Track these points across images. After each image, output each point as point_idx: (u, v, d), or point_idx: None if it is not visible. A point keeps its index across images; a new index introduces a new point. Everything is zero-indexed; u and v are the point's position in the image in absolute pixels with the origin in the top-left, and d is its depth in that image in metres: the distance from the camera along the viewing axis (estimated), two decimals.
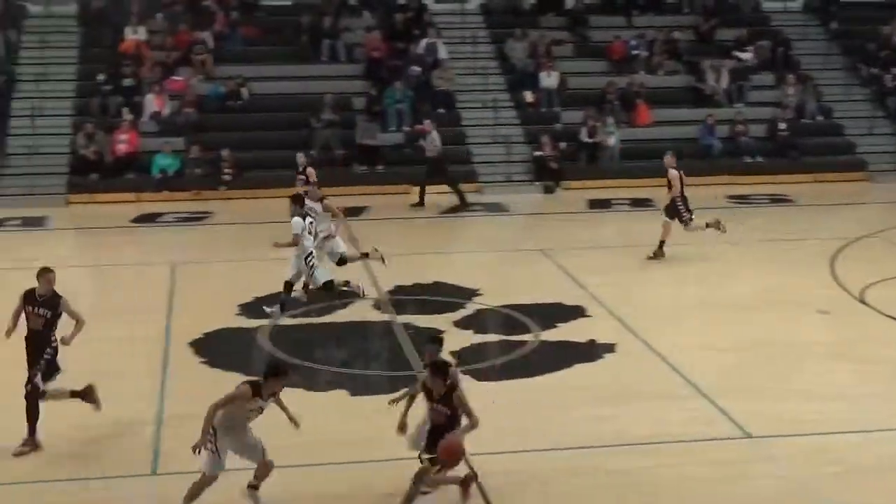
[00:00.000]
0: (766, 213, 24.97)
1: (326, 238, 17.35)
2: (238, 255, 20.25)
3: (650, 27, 31.33)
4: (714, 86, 29.62)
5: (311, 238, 16.46)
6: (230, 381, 13.78)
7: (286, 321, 16.40)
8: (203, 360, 14.80)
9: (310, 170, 20.63)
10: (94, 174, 25.51)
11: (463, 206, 24.66)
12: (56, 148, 26.27)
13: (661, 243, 19.72)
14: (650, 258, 19.60)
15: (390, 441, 11.92)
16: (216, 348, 15.19)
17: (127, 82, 27.52)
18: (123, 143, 25.86)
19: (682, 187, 19.65)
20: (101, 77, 27.41)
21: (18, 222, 23.21)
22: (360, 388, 13.75)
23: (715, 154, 28.06)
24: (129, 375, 14.30)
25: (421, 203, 24.69)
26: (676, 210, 19.69)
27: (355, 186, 25.78)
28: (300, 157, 21.74)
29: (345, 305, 17.09)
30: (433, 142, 25.30)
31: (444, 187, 24.99)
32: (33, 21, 29.49)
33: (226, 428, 10.00)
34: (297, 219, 16.24)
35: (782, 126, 28.63)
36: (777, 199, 25.77)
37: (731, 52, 30.70)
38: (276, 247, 16.57)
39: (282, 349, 15.10)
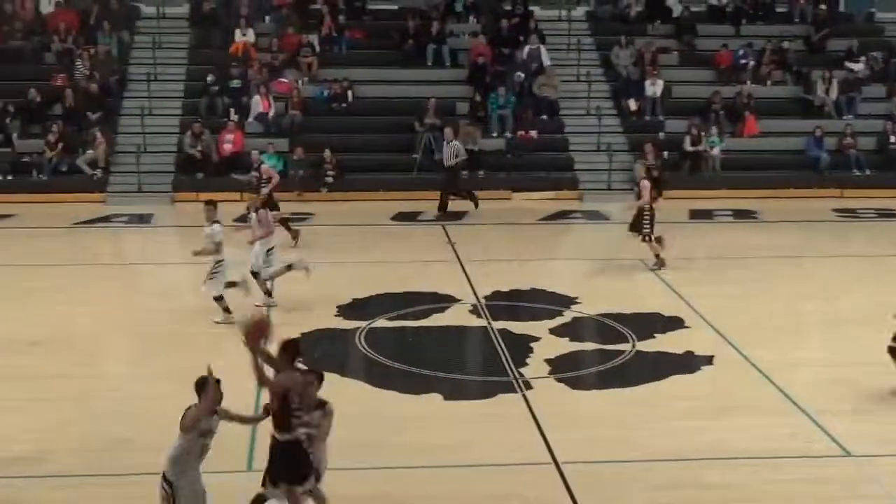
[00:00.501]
0: (873, 228, 24.40)
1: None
2: (338, 257, 20.40)
3: (758, 36, 30.86)
4: (823, 97, 29.07)
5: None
6: (326, 381, 14.02)
7: (383, 323, 16.49)
8: (299, 359, 14.90)
9: (264, 167, 20.76)
10: (199, 173, 25.96)
11: (441, 211, 24.26)
12: (164, 147, 26.78)
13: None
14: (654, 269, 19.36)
15: (484, 445, 11.97)
16: (313, 348, 15.32)
17: (234, 83, 27.95)
18: (229, 143, 26.28)
19: (651, 199, 19.32)
20: (209, 78, 27.88)
21: (125, 219, 23.71)
22: (454, 392, 13.75)
23: (822, 167, 27.53)
24: (229, 372, 14.49)
25: (443, 210, 24.26)
26: (640, 223, 19.32)
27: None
28: (254, 154, 21.78)
29: (443, 310, 17.14)
30: (455, 151, 24.72)
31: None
32: (146, 22, 30.10)
33: (182, 472, 9.39)
34: (217, 226, 16.11)
35: (893, 139, 27.99)
36: (885, 214, 25.17)
37: (842, 62, 30.12)
38: (195, 254, 16.28)
39: (377, 351, 15.19)
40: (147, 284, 19.47)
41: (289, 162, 25.93)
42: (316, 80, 28.62)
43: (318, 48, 29.26)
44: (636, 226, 19.52)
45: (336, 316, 16.67)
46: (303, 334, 15.67)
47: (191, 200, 25.19)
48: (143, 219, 23.74)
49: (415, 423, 12.77)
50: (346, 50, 29.76)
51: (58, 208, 24.14)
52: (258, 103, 27.40)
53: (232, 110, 27.26)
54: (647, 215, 19.33)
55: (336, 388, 13.81)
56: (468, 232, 22.94)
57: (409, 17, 30.07)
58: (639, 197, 19.56)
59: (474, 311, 17.12)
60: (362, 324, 16.30)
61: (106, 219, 23.66)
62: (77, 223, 23.19)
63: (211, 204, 16.32)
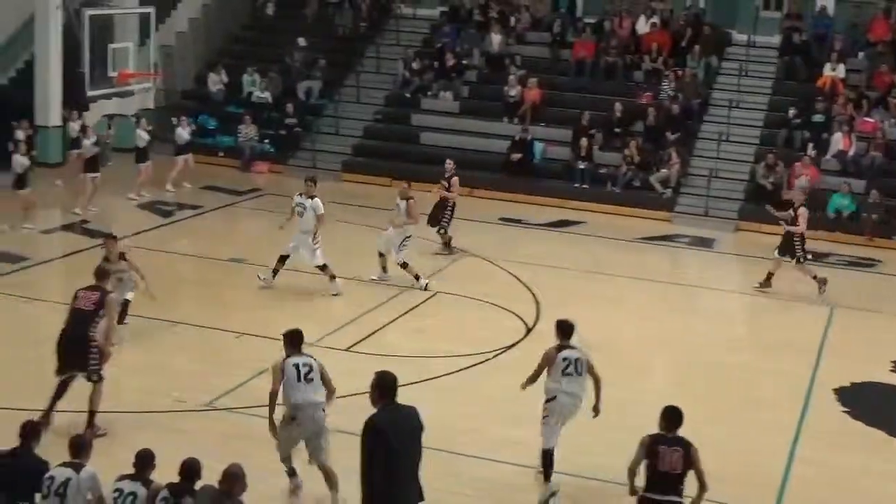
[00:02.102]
0: None
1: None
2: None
3: None
4: None
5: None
6: (868, 437, 13.34)
7: None
8: (845, 409, 14.32)
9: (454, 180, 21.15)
10: (767, 204, 25.57)
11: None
12: (735, 174, 26.69)
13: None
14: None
15: None
16: (861, 400, 14.62)
17: (816, 118, 27.23)
18: (803, 177, 25.64)
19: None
20: (791, 111, 27.40)
21: (687, 240, 23.87)
22: None
23: None
24: (771, 407, 14.30)
25: None
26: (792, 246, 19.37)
27: None
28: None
29: None
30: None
31: None
32: (735, 49, 30.16)
33: None
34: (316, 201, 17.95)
35: None
36: None
37: None
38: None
39: None
40: (698, 307, 19.54)
41: (863, 204, 24.89)
42: None
43: None
44: (786, 249, 19.55)
45: (892, 371, 15.78)
46: (853, 383, 15.10)
47: (754, 231, 24.96)
48: (705, 242, 23.81)
49: None
50: None
51: (625, 221, 24.85)
52: (838, 141, 26.51)
53: (810, 145, 26.60)
54: (797, 240, 19.37)
55: (881, 447, 13.15)
56: None
57: None
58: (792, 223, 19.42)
59: None
60: None
61: (669, 237, 24.01)
62: (641, 238, 23.75)
63: (311, 181, 18.38)
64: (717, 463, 12.23)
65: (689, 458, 9.55)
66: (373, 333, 16.16)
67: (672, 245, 23.65)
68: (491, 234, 23.06)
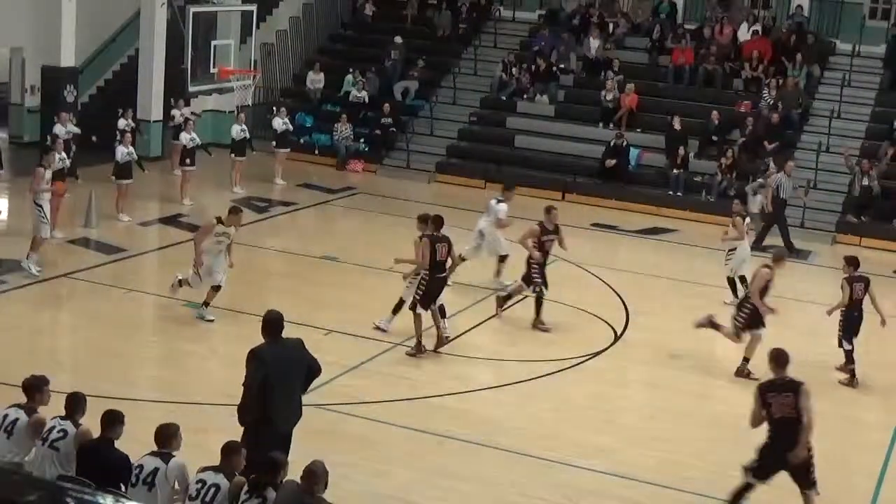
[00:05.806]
0: None
1: None
2: None
3: None
4: None
5: None
6: None
7: None
8: None
9: None
10: (863, 217, 25.08)
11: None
12: (833, 185, 26.19)
13: None
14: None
15: None
16: None
17: None
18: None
19: None
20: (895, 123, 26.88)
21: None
22: None
23: None
24: (866, 426, 14.02)
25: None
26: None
27: None
28: None
29: None
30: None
31: None
32: (839, 58, 29.61)
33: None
34: None
35: None
36: None
37: None
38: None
39: None
40: (793, 321, 19.20)
41: None
42: None
43: None
44: None
45: None
46: None
47: (851, 244, 24.44)
48: (801, 254, 23.38)
49: None
50: None
51: (719, 230, 24.43)
52: None
53: None
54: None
55: None
56: None
57: None
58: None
59: None
60: None
61: (764, 248, 23.59)
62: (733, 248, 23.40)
63: (236, 211, 16.39)
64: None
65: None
66: (460, 336, 16.15)
67: (767, 256, 23.22)
68: (583, 239, 22.92)
